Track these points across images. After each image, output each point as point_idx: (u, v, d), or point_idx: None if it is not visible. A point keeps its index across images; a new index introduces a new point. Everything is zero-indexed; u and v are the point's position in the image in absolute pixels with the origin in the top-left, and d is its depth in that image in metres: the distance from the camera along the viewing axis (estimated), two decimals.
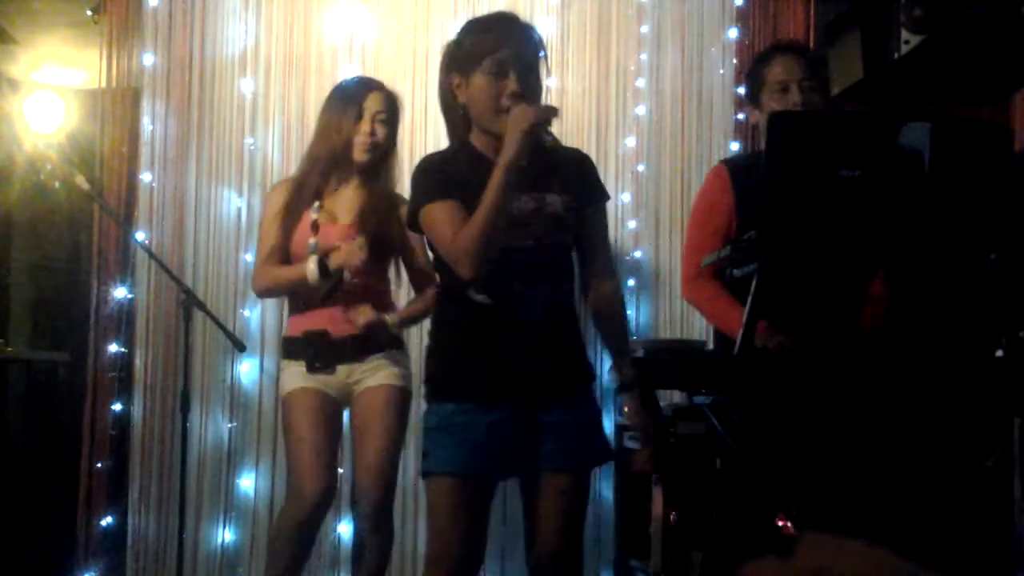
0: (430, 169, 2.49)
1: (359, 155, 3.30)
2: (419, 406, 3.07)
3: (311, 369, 3.26)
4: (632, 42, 4.32)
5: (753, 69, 3.15)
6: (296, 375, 3.29)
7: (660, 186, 4.30)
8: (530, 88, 2.42)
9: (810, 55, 3.19)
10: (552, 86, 4.27)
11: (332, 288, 3.19)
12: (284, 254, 3.31)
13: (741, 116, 4.28)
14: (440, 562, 2.43)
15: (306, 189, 3.32)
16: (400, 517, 4.03)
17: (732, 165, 3.12)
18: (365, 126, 3.29)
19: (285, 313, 3.65)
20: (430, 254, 2.59)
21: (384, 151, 3.34)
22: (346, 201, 3.33)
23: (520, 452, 2.44)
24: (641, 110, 4.31)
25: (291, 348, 3.34)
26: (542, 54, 2.49)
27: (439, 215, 2.41)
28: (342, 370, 3.27)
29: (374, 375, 3.28)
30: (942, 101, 4.03)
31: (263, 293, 3.50)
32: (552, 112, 2.38)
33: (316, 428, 3.24)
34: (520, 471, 2.51)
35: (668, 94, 4.32)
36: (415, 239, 3.19)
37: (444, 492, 2.41)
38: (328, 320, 3.25)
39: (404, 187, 3.42)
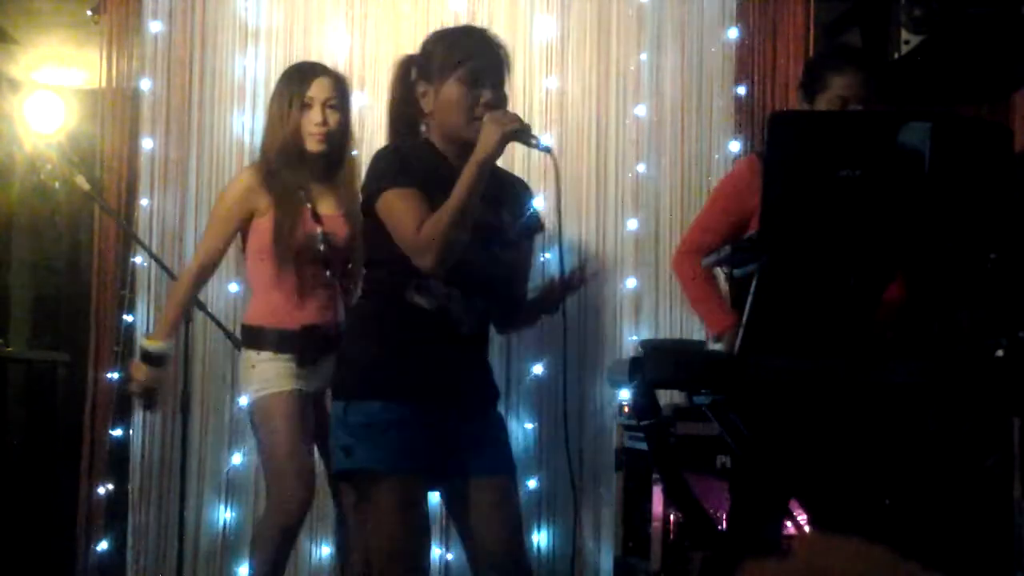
0: (392, 156, 2.42)
1: (314, 146, 3.18)
2: None
3: (302, 364, 3.15)
4: (632, 42, 4.32)
5: (820, 66, 3.01)
6: (283, 372, 3.15)
7: (660, 186, 4.30)
8: (501, 100, 2.41)
9: (873, 70, 3.10)
10: (552, 86, 4.27)
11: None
12: (285, 250, 3.15)
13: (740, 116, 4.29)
14: (388, 560, 2.37)
15: (274, 180, 3.16)
16: None
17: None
18: (316, 116, 3.16)
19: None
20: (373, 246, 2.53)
21: (341, 137, 3.23)
22: (320, 194, 3.23)
23: (445, 460, 2.42)
24: (641, 110, 4.30)
25: (279, 341, 3.15)
26: (506, 71, 2.48)
27: (401, 203, 2.34)
28: (323, 362, 3.13)
29: None
30: (942, 101, 4.03)
31: (179, 305, 3.29)
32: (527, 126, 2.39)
33: (301, 438, 3.15)
34: (445, 480, 2.48)
35: (668, 94, 4.32)
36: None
37: (378, 489, 2.36)
38: (317, 314, 3.19)
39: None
